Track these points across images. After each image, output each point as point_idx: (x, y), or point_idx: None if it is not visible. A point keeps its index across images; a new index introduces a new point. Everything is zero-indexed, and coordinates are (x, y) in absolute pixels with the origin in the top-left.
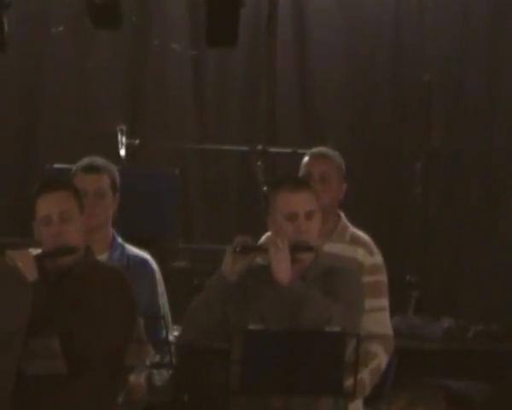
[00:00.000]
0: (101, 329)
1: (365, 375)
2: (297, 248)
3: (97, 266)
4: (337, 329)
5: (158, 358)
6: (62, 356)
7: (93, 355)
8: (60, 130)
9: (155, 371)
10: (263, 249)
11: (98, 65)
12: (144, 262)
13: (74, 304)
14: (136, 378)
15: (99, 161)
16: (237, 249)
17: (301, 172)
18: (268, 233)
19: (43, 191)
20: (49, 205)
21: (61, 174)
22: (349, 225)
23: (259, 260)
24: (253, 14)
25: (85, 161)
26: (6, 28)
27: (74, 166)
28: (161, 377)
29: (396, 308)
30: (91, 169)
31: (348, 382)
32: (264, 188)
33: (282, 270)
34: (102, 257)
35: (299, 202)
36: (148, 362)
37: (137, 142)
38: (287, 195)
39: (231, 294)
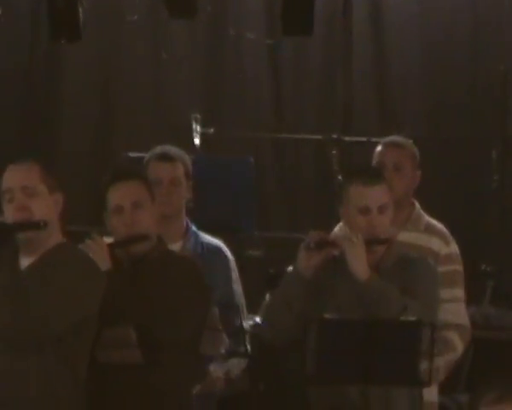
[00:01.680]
0: (176, 317)
1: (440, 362)
2: (370, 242)
3: (170, 254)
4: (412, 318)
5: (233, 346)
6: (138, 345)
7: (168, 344)
8: (135, 119)
9: (233, 363)
10: (337, 244)
11: (173, 54)
12: (218, 250)
13: (148, 293)
14: (215, 371)
15: (172, 149)
16: (311, 246)
17: (374, 161)
18: (341, 223)
19: (114, 181)
20: (121, 194)
21: (135, 163)
22: (424, 213)
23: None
24: (328, 4)
25: (159, 149)
26: (81, 17)
27: (148, 155)
28: (237, 366)
29: (471, 298)
30: (165, 158)
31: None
32: (339, 177)
33: (359, 266)
34: (177, 245)
35: (373, 196)
36: (222, 350)
37: (212, 131)
38: (360, 188)
39: (308, 290)
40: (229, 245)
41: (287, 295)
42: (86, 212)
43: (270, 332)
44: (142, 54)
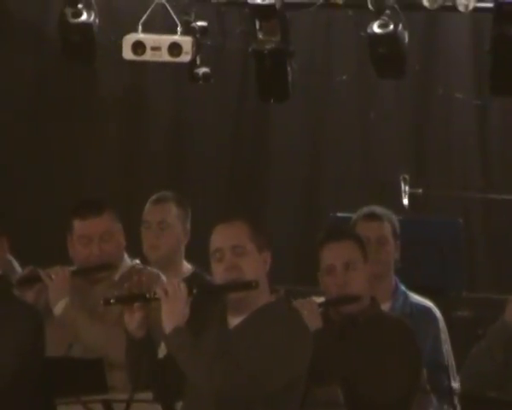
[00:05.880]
0: (387, 379)
1: None
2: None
3: (382, 316)
4: None
5: (441, 408)
6: (345, 405)
7: (377, 405)
8: (343, 178)
9: None
10: None
11: (381, 113)
12: (428, 310)
13: (358, 353)
14: None
15: (380, 209)
16: None
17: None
18: None
19: (327, 240)
20: (334, 254)
21: (343, 223)
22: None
23: None
24: None
25: (366, 209)
26: (290, 76)
27: (355, 215)
28: None
29: None
30: (373, 217)
31: None
32: None
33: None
34: (386, 305)
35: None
36: None
37: (421, 191)
38: None
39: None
40: (437, 306)
41: (490, 344)
42: (293, 271)
43: (469, 381)
44: (349, 113)
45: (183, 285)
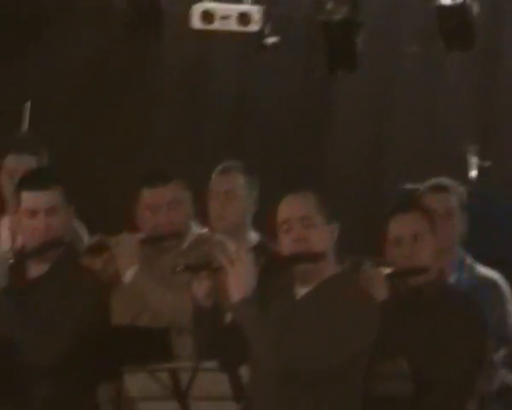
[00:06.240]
0: (451, 352)
1: None
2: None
3: (449, 288)
4: None
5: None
6: (410, 378)
7: (443, 378)
8: (410, 149)
9: None
10: None
11: (449, 85)
12: (494, 283)
13: (423, 325)
14: None
15: (447, 181)
16: None
17: None
18: None
19: (395, 212)
20: (401, 226)
21: (410, 195)
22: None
23: None
24: None
25: (433, 181)
26: (359, 47)
27: (422, 187)
28: None
29: None
30: (440, 189)
31: None
32: None
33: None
34: (452, 278)
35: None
36: (497, 386)
37: (489, 163)
38: None
39: None
40: (504, 278)
41: None
42: (359, 242)
43: None
44: (417, 85)
45: (250, 255)
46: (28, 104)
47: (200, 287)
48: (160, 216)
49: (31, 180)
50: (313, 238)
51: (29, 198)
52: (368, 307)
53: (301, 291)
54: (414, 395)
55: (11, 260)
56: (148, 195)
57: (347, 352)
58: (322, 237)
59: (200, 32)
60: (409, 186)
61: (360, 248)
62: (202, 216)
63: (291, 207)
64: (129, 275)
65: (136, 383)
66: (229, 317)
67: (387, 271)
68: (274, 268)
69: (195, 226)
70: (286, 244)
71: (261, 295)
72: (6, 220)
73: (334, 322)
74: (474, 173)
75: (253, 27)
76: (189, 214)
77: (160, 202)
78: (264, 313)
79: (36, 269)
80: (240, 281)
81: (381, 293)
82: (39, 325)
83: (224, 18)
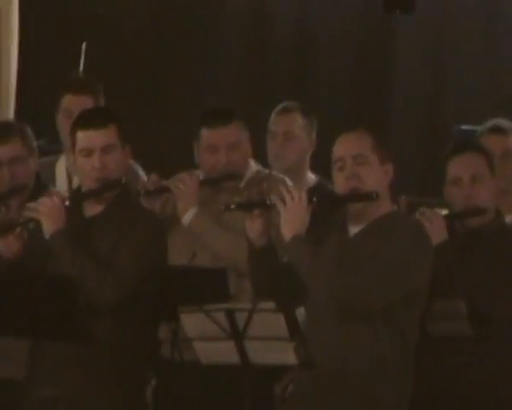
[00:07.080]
0: (509, 292)
1: None
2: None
3: (507, 229)
4: None
5: None
6: (468, 318)
7: (499, 318)
8: (468, 91)
9: None
10: None
11: (508, 27)
12: None
13: (481, 266)
14: None
15: (505, 122)
16: None
17: None
18: None
19: (454, 153)
20: (460, 167)
21: (468, 135)
22: None
23: None
24: None
25: (491, 122)
26: None
27: (480, 128)
28: None
29: None
30: (498, 130)
31: None
32: None
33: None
34: (510, 219)
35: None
36: None
37: None
38: None
39: None
40: None
41: None
42: (416, 183)
43: None
44: (476, 27)
45: (303, 194)
46: (85, 45)
47: (253, 226)
48: (220, 157)
49: (86, 119)
50: (366, 176)
51: (84, 137)
52: (421, 246)
53: (355, 229)
54: (471, 336)
55: (67, 201)
56: (208, 135)
57: (400, 290)
58: (376, 175)
59: None
60: (466, 127)
61: (418, 190)
62: (262, 156)
63: (345, 145)
64: (188, 216)
65: (192, 323)
66: (285, 257)
67: (445, 212)
68: (328, 207)
69: (255, 165)
70: (339, 182)
71: (315, 234)
72: (63, 161)
73: (387, 259)
74: None
75: None
76: (249, 154)
77: (219, 143)
78: (317, 251)
79: (92, 209)
80: (292, 219)
81: (439, 234)
82: (99, 262)
83: None
